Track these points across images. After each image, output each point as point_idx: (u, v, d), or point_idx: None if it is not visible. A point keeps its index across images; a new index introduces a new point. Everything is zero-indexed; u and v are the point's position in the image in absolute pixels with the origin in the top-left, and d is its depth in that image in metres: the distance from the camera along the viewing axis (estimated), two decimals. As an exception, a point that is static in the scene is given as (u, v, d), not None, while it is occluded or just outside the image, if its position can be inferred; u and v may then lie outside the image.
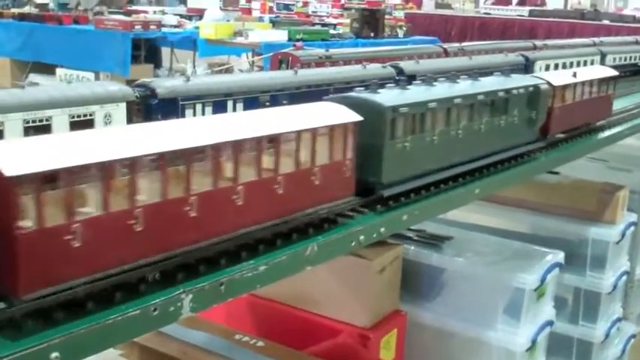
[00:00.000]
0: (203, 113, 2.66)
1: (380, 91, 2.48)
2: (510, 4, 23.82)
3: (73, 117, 2.18)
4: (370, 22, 14.12)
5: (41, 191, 1.41)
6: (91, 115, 2.24)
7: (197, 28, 13.19)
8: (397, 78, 3.63)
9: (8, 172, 1.36)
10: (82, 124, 2.19)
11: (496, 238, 4.19)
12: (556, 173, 4.66)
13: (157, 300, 1.66)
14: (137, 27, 12.68)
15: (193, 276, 1.78)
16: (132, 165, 1.58)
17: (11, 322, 1.44)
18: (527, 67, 4.74)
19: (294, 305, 3.48)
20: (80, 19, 13.97)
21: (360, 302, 3.39)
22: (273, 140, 1.95)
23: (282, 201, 2.00)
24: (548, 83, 3.36)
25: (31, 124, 2.06)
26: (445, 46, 5.32)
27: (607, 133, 4.13)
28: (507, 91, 3.00)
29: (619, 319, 4.85)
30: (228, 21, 14.16)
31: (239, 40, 12.30)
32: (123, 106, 2.35)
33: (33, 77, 13.55)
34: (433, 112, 2.57)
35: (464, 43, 5.62)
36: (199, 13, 15.69)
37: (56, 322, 1.49)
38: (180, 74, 2.76)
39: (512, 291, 3.74)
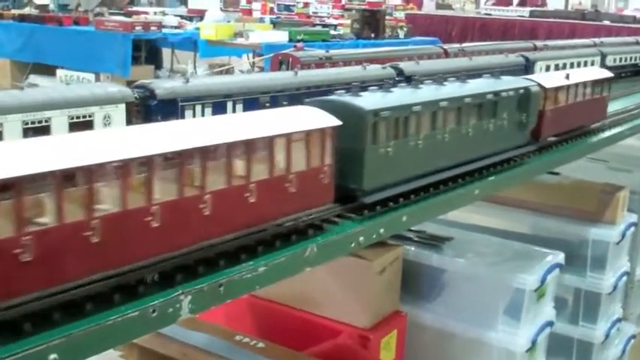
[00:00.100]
0: (203, 114, 2.66)
1: (362, 94, 2.42)
2: (511, 4, 23.81)
3: (72, 118, 2.18)
4: (371, 23, 14.11)
5: None
6: (90, 116, 2.24)
7: (198, 29, 13.19)
8: (397, 79, 3.63)
9: None
10: (81, 125, 2.19)
11: (496, 238, 4.19)
12: (556, 174, 4.66)
13: (156, 301, 1.66)
14: (138, 28, 12.67)
15: (192, 277, 1.78)
16: (87, 173, 1.49)
17: (10, 323, 1.44)
18: (527, 68, 4.75)
19: (294, 306, 3.48)
20: (80, 20, 13.96)
21: (360, 303, 3.39)
22: (244, 146, 1.86)
23: (253, 210, 1.90)
24: (540, 85, 3.28)
25: (30, 126, 2.06)
26: (445, 46, 5.32)
27: (601, 135, 4.04)
28: (496, 93, 2.93)
29: (619, 320, 4.85)
30: (228, 22, 14.16)
31: (240, 41, 12.30)
32: (122, 107, 2.34)
33: (33, 78, 13.55)
34: (417, 116, 2.49)
35: (464, 44, 5.62)
36: (200, 14, 15.68)
37: (55, 323, 1.49)
38: (181, 75, 2.76)
39: (513, 292, 3.74)
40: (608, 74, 3.98)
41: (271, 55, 4.46)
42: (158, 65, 14.20)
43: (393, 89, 2.57)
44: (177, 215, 1.69)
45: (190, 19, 15.62)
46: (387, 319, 3.52)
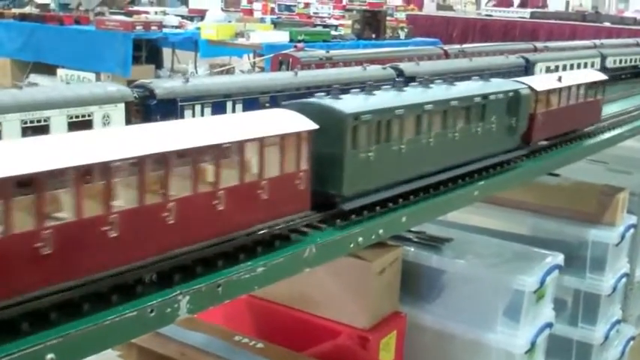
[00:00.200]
0: (202, 114, 2.66)
1: (342, 96, 2.32)
2: (512, 5, 23.82)
3: (72, 117, 2.18)
4: (372, 24, 14.12)
5: None
6: (89, 115, 2.24)
7: (198, 28, 13.20)
8: (397, 79, 3.63)
9: None
10: (80, 124, 2.19)
11: (496, 240, 4.19)
12: (556, 175, 4.66)
13: (154, 301, 1.65)
14: (138, 27, 12.68)
15: (190, 277, 1.77)
16: (39, 179, 1.41)
17: (7, 322, 1.44)
18: (527, 69, 4.75)
19: (293, 306, 3.48)
20: (81, 19, 13.97)
21: (359, 304, 3.39)
22: (212, 151, 1.76)
23: (222, 218, 1.81)
24: (530, 88, 3.20)
25: (29, 125, 2.05)
26: (446, 47, 5.33)
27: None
28: (484, 96, 2.85)
29: (618, 321, 4.84)
30: (229, 22, 14.16)
31: (240, 41, 12.30)
32: (121, 106, 2.34)
33: (34, 78, 13.55)
34: (401, 120, 2.40)
35: (464, 45, 5.62)
36: (201, 14, 15.69)
37: (52, 323, 1.49)
38: (182, 75, 2.75)
39: (512, 293, 3.74)
40: (602, 77, 3.91)
41: (272, 55, 4.46)
42: (159, 65, 14.21)
43: (375, 92, 2.48)
44: (137, 224, 1.59)
45: (191, 18, 15.63)
46: (387, 319, 3.52)
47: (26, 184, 1.40)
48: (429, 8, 23.44)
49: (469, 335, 3.77)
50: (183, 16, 15.71)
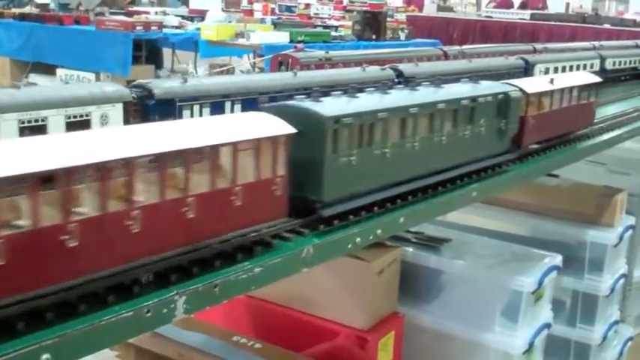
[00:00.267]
0: (201, 114, 2.65)
1: (323, 99, 2.25)
2: (512, 7, 23.81)
3: (69, 117, 2.17)
4: (372, 25, 14.12)
5: None
6: (87, 115, 2.23)
7: (198, 29, 13.20)
8: (396, 80, 3.63)
9: None
10: (78, 124, 2.18)
11: (495, 240, 4.20)
12: (555, 176, 4.67)
13: (150, 302, 1.65)
14: (138, 28, 12.68)
15: (187, 278, 1.77)
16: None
17: (2, 322, 1.44)
18: (527, 70, 4.75)
19: (291, 307, 3.48)
20: (81, 19, 13.97)
21: (358, 304, 3.39)
22: (182, 156, 1.68)
23: (192, 226, 1.73)
24: (521, 90, 3.13)
25: (26, 125, 2.05)
26: (445, 48, 5.33)
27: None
28: (473, 99, 2.78)
29: (616, 322, 4.85)
30: (230, 22, 14.16)
31: (240, 41, 12.30)
32: (119, 106, 2.34)
33: (33, 77, 13.55)
34: (384, 123, 2.33)
35: (464, 46, 5.62)
36: (201, 15, 15.70)
37: (48, 323, 1.49)
38: (182, 75, 2.76)
39: (510, 293, 3.75)
40: (596, 79, 3.85)
41: (271, 55, 4.46)
42: (159, 65, 14.21)
43: (358, 94, 2.40)
44: (99, 233, 1.52)
45: (191, 19, 15.65)
46: (385, 320, 3.52)
47: None
48: (430, 9, 23.41)
49: (467, 336, 3.77)
50: (183, 17, 15.72)
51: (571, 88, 3.56)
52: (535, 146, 3.45)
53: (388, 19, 15.47)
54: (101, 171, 1.51)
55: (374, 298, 3.44)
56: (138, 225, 1.59)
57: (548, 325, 3.98)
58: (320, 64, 4.11)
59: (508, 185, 3.38)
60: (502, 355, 3.71)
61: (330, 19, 17.49)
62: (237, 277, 1.87)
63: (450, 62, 4.77)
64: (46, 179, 1.42)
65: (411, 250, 3.89)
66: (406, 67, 3.83)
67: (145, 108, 2.47)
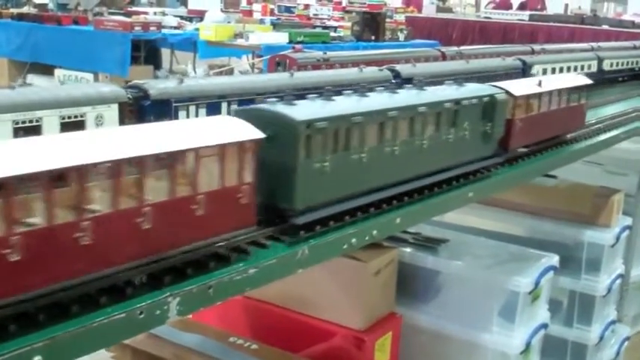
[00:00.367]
0: (197, 115, 2.65)
1: (296, 102, 2.17)
2: (511, 8, 23.81)
3: (64, 118, 2.17)
4: (371, 26, 14.13)
5: None
6: (82, 116, 2.23)
7: (197, 29, 13.19)
8: (394, 81, 3.63)
9: None
10: (73, 125, 2.18)
11: (492, 241, 4.20)
12: (553, 177, 4.67)
13: (143, 303, 1.65)
14: (137, 28, 12.68)
15: (181, 279, 1.77)
16: None
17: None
18: (524, 71, 4.76)
19: (288, 307, 3.48)
20: (80, 19, 13.97)
21: (355, 305, 3.39)
22: (137, 163, 1.59)
23: (148, 237, 1.64)
24: (508, 93, 3.05)
25: (20, 125, 2.05)
26: (443, 49, 5.33)
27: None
28: (456, 101, 2.70)
29: (613, 322, 4.85)
30: (229, 23, 14.16)
31: (239, 42, 12.29)
32: (115, 107, 2.34)
33: (31, 78, 13.55)
34: (361, 127, 2.24)
35: (462, 47, 5.63)
36: (200, 15, 15.69)
37: (39, 324, 1.48)
38: (178, 76, 2.75)
39: (507, 294, 3.74)
40: (586, 81, 3.79)
41: (269, 56, 4.46)
42: (157, 66, 14.22)
43: (335, 97, 2.31)
44: (44, 246, 1.43)
45: (190, 19, 15.64)
46: (382, 321, 3.52)
47: None
48: (429, 10, 23.41)
49: (464, 336, 3.77)
50: (182, 17, 15.72)
51: (560, 91, 3.51)
52: (523, 149, 3.39)
53: (387, 19, 15.47)
54: (52, 179, 1.43)
55: (371, 298, 3.43)
56: (89, 237, 1.50)
57: (545, 325, 3.98)
58: (317, 65, 4.11)
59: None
60: (499, 355, 3.71)
61: (329, 19, 17.48)
62: (232, 278, 1.86)
63: (448, 63, 4.78)
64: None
65: (408, 250, 3.89)
66: (403, 68, 3.84)
67: (141, 109, 2.47)
